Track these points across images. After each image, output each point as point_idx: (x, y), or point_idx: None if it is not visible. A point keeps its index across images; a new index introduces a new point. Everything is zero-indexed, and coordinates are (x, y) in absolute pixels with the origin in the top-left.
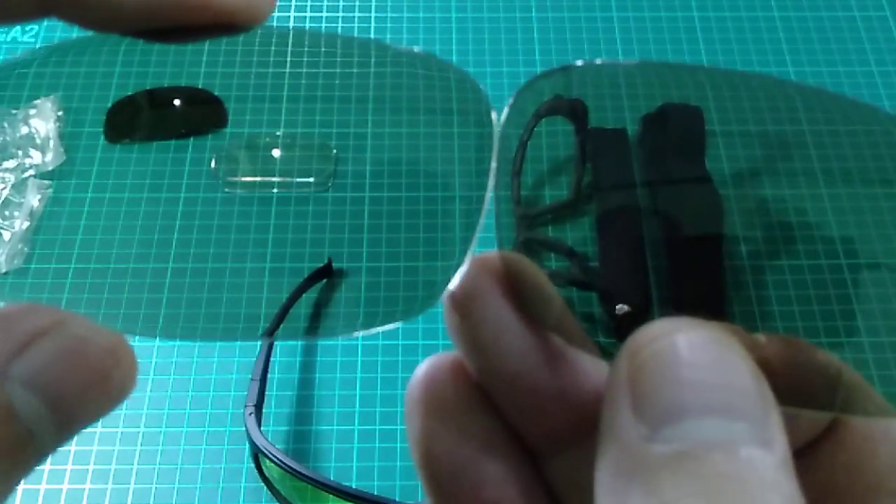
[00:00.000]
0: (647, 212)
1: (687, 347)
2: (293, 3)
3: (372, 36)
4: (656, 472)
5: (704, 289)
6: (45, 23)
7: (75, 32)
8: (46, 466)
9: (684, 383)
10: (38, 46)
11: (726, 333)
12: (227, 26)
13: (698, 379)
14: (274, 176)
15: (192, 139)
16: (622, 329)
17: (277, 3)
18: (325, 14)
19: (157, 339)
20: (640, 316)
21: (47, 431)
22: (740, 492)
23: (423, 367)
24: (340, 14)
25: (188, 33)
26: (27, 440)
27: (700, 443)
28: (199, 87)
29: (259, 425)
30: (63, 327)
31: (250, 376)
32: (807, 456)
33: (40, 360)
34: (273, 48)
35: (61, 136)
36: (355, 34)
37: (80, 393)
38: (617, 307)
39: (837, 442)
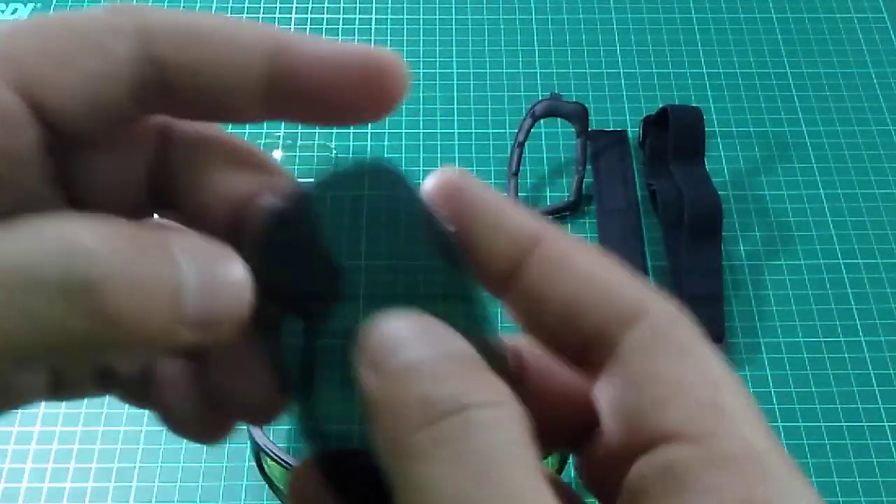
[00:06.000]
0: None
1: (405, 325)
2: (294, 4)
3: (372, 38)
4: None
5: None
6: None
7: None
8: (49, 464)
9: (405, 339)
10: None
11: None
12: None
13: (413, 338)
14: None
15: None
16: None
17: (279, 5)
18: (325, 16)
19: None
20: None
21: None
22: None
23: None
24: (341, 16)
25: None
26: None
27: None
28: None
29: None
30: None
31: None
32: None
33: None
34: None
35: None
36: (355, 36)
37: None
38: None
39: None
